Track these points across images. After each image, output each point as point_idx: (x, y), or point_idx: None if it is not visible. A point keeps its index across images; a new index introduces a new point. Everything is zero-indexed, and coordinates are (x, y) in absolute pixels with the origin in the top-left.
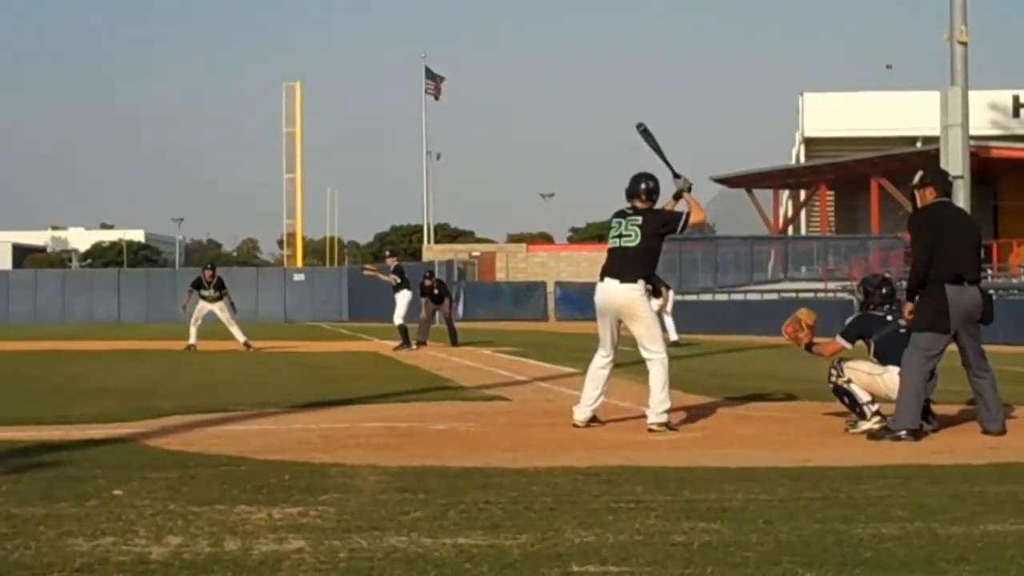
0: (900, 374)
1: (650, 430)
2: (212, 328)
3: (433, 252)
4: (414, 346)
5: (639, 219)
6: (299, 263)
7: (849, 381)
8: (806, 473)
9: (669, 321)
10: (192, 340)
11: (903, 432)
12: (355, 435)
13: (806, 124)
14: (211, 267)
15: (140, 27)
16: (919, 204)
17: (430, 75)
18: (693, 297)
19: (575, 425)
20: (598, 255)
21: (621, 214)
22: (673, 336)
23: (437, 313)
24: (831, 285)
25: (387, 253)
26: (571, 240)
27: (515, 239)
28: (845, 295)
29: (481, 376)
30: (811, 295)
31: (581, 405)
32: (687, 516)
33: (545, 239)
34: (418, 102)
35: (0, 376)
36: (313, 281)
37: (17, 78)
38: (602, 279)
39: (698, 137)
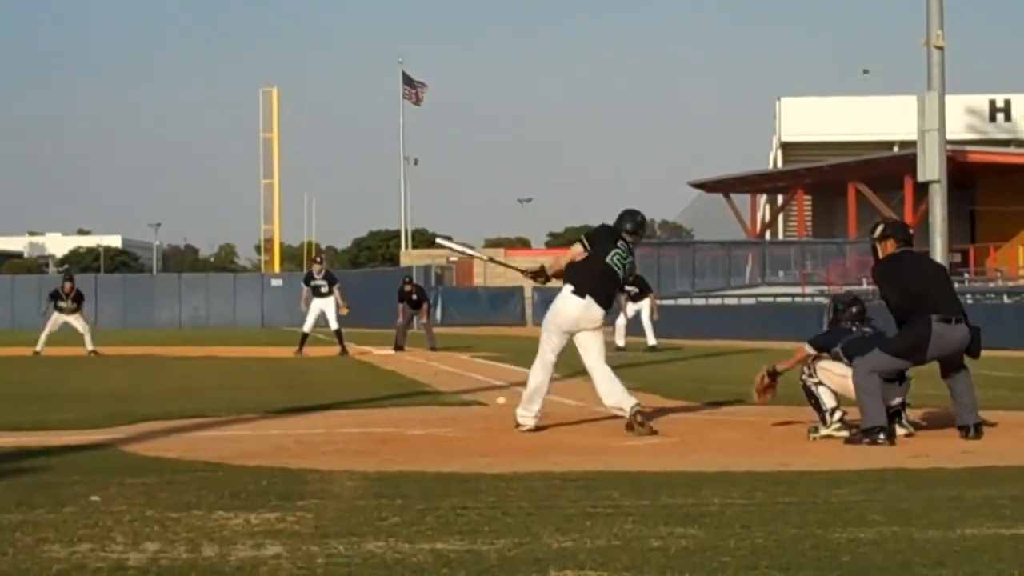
0: (853, 380)
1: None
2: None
3: (411, 257)
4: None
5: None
6: (277, 268)
7: (819, 383)
8: (783, 478)
9: (648, 326)
10: (39, 347)
11: (880, 436)
12: (332, 440)
13: (783, 129)
14: (70, 280)
15: (118, 33)
16: (880, 256)
17: (408, 81)
18: (671, 302)
19: (522, 428)
20: None
21: (625, 242)
22: (651, 341)
23: (414, 318)
24: (808, 290)
25: (317, 260)
26: (549, 245)
27: (493, 244)
28: (823, 299)
29: (459, 381)
30: (789, 300)
31: (532, 412)
32: (664, 521)
33: (523, 244)
34: (396, 107)
35: None
36: (291, 286)
37: None
38: (583, 296)
39: (676, 142)
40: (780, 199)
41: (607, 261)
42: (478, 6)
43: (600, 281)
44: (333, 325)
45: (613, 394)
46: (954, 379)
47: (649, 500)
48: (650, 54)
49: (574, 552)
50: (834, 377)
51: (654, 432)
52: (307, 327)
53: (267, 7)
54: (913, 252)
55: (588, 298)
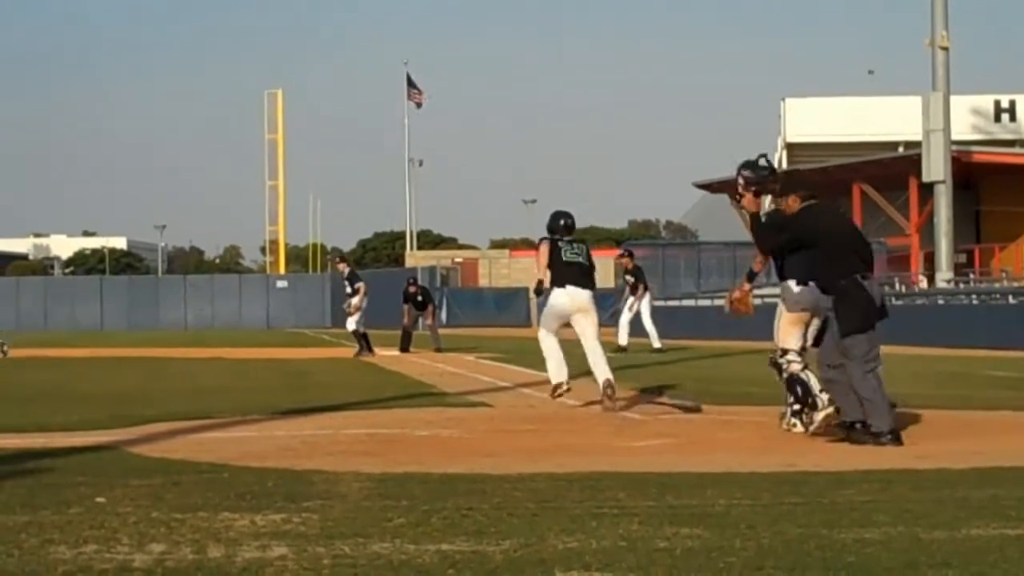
0: (854, 389)
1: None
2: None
3: (416, 259)
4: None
5: (583, 245)
6: (282, 270)
7: (805, 367)
8: (789, 478)
9: (651, 329)
10: None
11: (886, 437)
12: (338, 442)
13: (788, 129)
14: None
15: (121, 35)
16: (786, 214)
17: (412, 83)
18: (676, 303)
19: (564, 388)
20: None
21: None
22: (656, 344)
23: (419, 320)
24: None
25: (337, 259)
26: None
27: (498, 245)
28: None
29: (464, 382)
30: None
31: (565, 373)
32: (670, 521)
33: (528, 245)
34: (400, 109)
35: None
36: (296, 288)
37: (1, 85)
38: (563, 286)
39: (680, 143)
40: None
41: (564, 259)
42: (483, 7)
43: (567, 273)
44: (350, 326)
45: (599, 365)
46: (834, 372)
47: (654, 501)
48: (654, 55)
49: (580, 553)
50: (790, 329)
51: (618, 411)
52: (352, 324)
53: (271, 9)
54: (821, 204)
55: (568, 287)
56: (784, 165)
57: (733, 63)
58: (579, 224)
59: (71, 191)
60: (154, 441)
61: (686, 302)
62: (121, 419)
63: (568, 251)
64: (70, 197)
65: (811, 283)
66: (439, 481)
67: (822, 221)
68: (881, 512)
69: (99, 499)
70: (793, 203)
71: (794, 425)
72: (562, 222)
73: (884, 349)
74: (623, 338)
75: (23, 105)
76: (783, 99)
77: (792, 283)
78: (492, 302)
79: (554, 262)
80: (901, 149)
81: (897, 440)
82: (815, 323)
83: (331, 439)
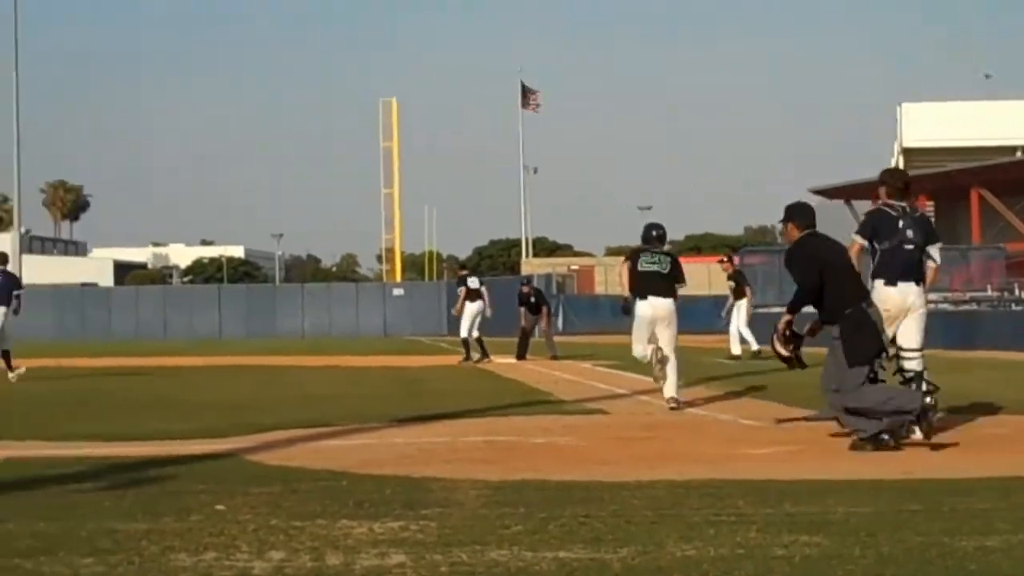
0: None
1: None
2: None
3: (531, 266)
4: (475, 358)
5: (666, 256)
6: (398, 278)
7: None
8: (908, 485)
9: (747, 334)
10: None
11: (885, 437)
12: (455, 449)
13: (905, 135)
14: None
15: (238, 44)
16: (787, 240)
17: (526, 90)
18: None
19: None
20: (697, 267)
21: (649, 251)
22: (735, 350)
23: (536, 327)
24: (932, 296)
25: (457, 266)
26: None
27: (613, 252)
28: (947, 306)
29: (580, 389)
30: None
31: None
32: (788, 529)
33: None
34: (514, 116)
35: (103, 392)
36: (412, 296)
37: (121, 98)
38: (645, 297)
39: (797, 149)
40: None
41: (640, 269)
42: (597, 13)
43: (646, 283)
44: (462, 332)
45: (669, 379)
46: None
47: (773, 508)
48: (770, 60)
49: (698, 561)
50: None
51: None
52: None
53: (386, 17)
54: (821, 234)
55: (649, 298)
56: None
57: (850, 68)
58: (694, 231)
59: (190, 201)
60: (273, 449)
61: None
62: (240, 427)
63: (645, 260)
64: (189, 207)
65: (900, 284)
66: (556, 488)
67: (824, 250)
68: (1001, 519)
69: (219, 507)
70: (793, 232)
71: (912, 432)
72: (653, 233)
73: (1002, 355)
74: (735, 347)
75: (143, 115)
76: (900, 104)
77: (880, 283)
78: (608, 309)
79: (634, 274)
80: (1019, 154)
81: (896, 443)
82: (913, 321)
83: (448, 447)
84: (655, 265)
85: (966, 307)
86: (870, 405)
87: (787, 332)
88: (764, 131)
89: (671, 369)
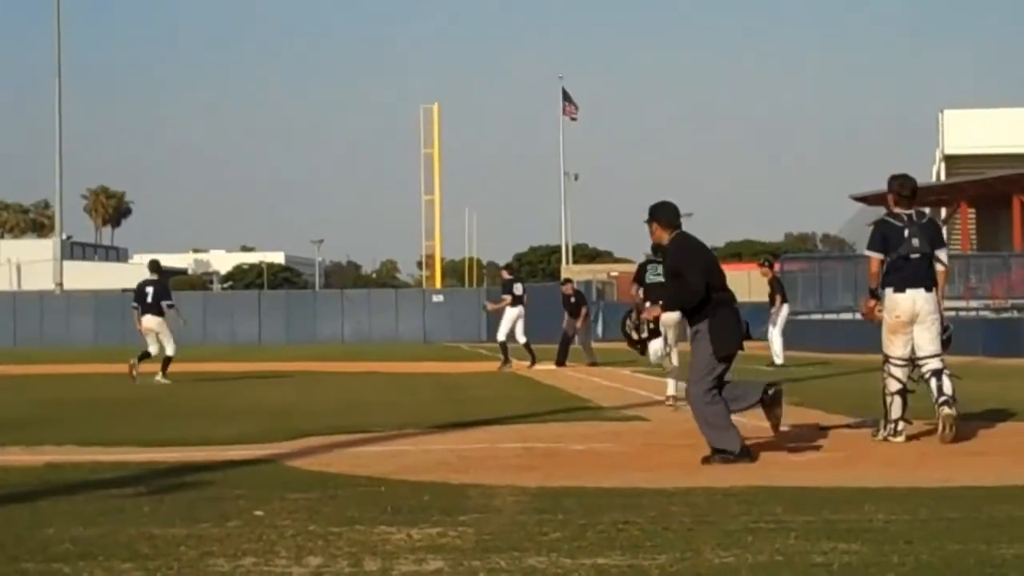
0: (696, 409)
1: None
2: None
3: (571, 272)
4: (516, 364)
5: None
6: (438, 284)
7: (904, 388)
8: (947, 493)
9: (778, 341)
10: None
11: (735, 456)
12: (493, 455)
13: (946, 141)
14: None
15: (277, 51)
16: (656, 240)
17: (567, 97)
18: (833, 316)
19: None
20: (737, 274)
21: (655, 262)
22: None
23: (576, 335)
24: (973, 304)
25: (505, 268)
26: None
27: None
28: (987, 314)
29: (620, 396)
30: (952, 313)
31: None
32: (827, 536)
33: None
34: (555, 122)
35: (142, 398)
36: (452, 302)
37: (164, 104)
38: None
39: (838, 155)
40: (943, 212)
41: (647, 282)
42: (639, 20)
43: (654, 294)
44: (500, 337)
45: (673, 375)
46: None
47: (812, 515)
48: (812, 67)
49: (736, 567)
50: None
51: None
52: (501, 335)
53: (426, 23)
54: (690, 235)
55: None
56: (943, 177)
57: (891, 74)
58: (735, 237)
59: (230, 207)
60: (312, 455)
61: (844, 316)
62: (279, 433)
63: (651, 273)
64: (229, 213)
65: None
66: (595, 495)
67: (704, 248)
68: None
69: (257, 512)
70: (659, 232)
71: (943, 411)
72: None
73: None
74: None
75: (184, 123)
76: (941, 111)
77: (889, 291)
78: None
79: (641, 283)
80: None
81: (749, 456)
82: (924, 328)
83: (487, 453)
84: (660, 276)
85: (1007, 315)
86: (713, 420)
87: (651, 325)
88: (805, 137)
89: (675, 370)
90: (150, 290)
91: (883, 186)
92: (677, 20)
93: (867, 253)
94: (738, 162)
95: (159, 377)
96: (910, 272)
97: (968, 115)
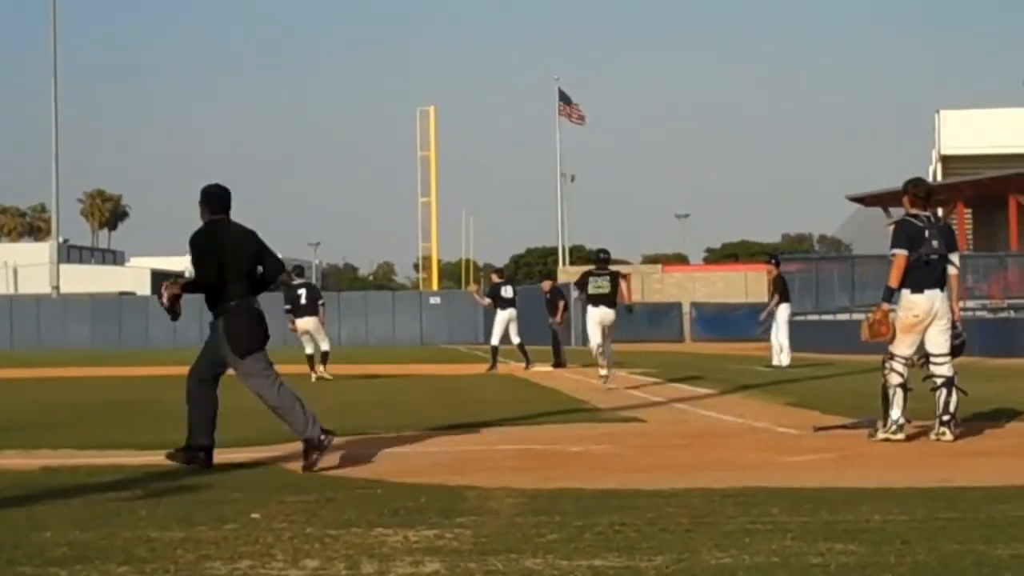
0: (270, 405)
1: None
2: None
3: (568, 274)
4: (499, 368)
5: (608, 277)
6: (435, 286)
7: (903, 384)
8: (944, 493)
9: (777, 342)
10: None
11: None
12: (490, 457)
13: (943, 142)
14: None
15: (274, 56)
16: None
17: (564, 98)
18: (830, 317)
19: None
20: (734, 275)
21: (595, 274)
22: (777, 360)
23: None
24: (970, 303)
25: (492, 273)
26: (706, 260)
27: (650, 260)
28: (984, 313)
29: (616, 398)
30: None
31: (604, 370)
32: (824, 537)
33: (680, 260)
34: (552, 125)
35: (140, 401)
36: (449, 304)
37: (160, 107)
38: (597, 305)
39: (834, 156)
40: (940, 212)
41: (589, 292)
42: (635, 22)
43: (595, 299)
44: (493, 341)
45: (604, 356)
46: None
47: (808, 516)
48: (808, 68)
49: (733, 569)
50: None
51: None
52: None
53: (421, 26)
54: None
55: (599, 307)
56: (939, 178)
57: (888, 75)
58: (730, 238)
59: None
60: None
61: (840, 316)
62: (275, 435)
63: (593, 285)
64: None
65: (927, 291)
66: (592, 497)
67: (228, 239)
68: None
69: (254, 515)
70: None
71: (943, 434)
72: (601, 255)
73: None
74: (784, 357)
75: (180, 126)
76: (938, 111)
77: (906, 291)
78: (644, 317)
79: (584, 289)
80: None
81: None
82: (939, 330)
83: (484, 455)
84: (600, 289)
85: (1004, 314)
86: (277, 404)
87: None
88: (801, 139)
89: (609, 356)
90: (303, 292)
91: (880, 187)
92: (673, 22)
93: (895, 251)
94: (734, 163)
95: (322, 371)
96: (929, 273)
97: (964, 115)
